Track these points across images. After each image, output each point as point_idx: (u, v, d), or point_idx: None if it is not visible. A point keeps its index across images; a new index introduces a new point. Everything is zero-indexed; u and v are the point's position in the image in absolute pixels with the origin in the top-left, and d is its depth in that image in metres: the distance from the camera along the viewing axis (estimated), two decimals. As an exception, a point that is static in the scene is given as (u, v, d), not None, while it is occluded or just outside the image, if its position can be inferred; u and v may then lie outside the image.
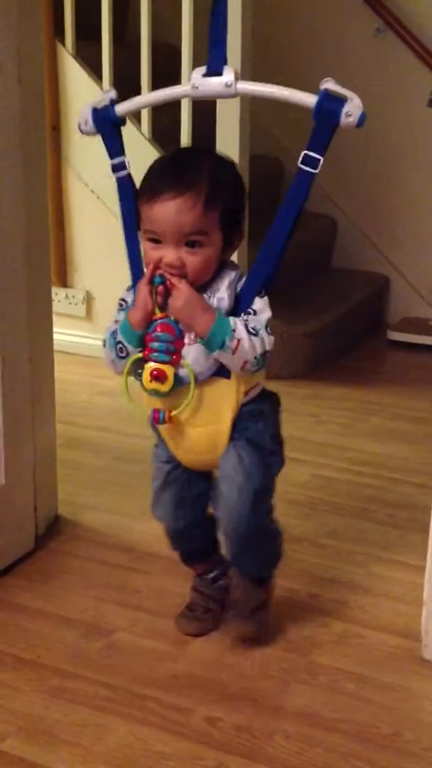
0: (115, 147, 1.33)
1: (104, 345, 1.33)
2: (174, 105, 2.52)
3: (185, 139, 2.54)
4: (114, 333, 1.30)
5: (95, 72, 2.64)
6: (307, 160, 1.24)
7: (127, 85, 2.62)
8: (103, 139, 1.34)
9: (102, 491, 1.98)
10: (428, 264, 3.20)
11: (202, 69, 1.26)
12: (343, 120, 1.20)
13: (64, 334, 2.77)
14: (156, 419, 1.31)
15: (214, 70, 1.24)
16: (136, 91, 2.55)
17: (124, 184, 1.32)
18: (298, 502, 1.94)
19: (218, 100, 2.25)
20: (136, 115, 2.60)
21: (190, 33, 2.47)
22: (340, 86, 1.22)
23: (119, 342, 1.29)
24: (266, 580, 1.47)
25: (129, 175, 1.33)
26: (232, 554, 1.41)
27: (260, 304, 1.28)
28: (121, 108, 1.33)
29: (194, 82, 1.26)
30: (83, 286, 2.80)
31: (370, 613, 1.56)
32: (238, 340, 1.24)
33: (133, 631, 1.50)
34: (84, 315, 2.81)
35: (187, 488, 1.41)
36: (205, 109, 2.32)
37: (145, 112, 2.57)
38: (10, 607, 1.56)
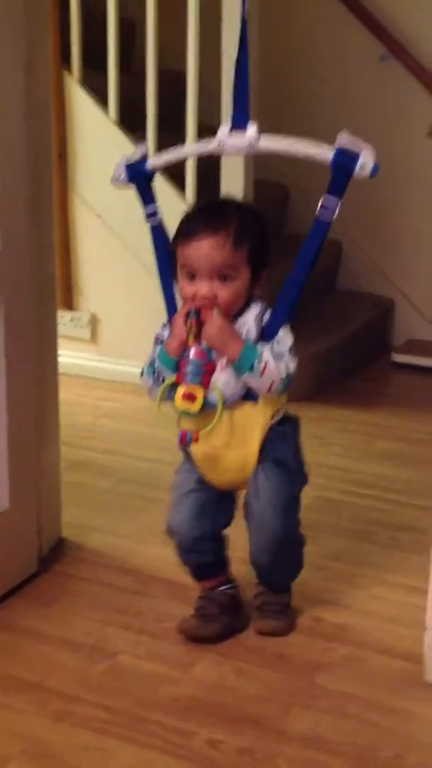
0: (147, 197, 1.47)
1: (141, 374, 1.47)
2: (179, 134, 2.56)
3: (190, 167, 2.56)
4: (152, 362, 1.44)
5: (102, 99, 2.69)
6: (326, 207, 1.37)
7: (133, 112, 2.67)
8: (137, 191, 1.48)
9: (106, 514, 1.99)
10: (432, 286, 3.22)
11: (227, 126, 1.38)
12: (357, 173, 1.34)
13: (69, 357, 2.79)
14: (183, 439, 1.40)
15: (238, 126, 1.38)
16: (142, 118, 2.61)
17: (157, 230, 1.47)
18: (302, 524, 1.94)
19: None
20: (141, 141, 2.63)
21: (196, 61, 2.51)
22: (354, 137, 1.33)
23: (157, 369, 1.43)
24: (288, 586, 1.58)
25: (161, 222, 1.47)
26: (263, 566, 1.54)
27: (283, 331, 1.43)
28: (151, 162, 1.47)
29: (220, 139, 1.39)
30: (88, 309, 2.82)
31: (373, 636, 1.56)
32: (265, 363, 1.39)
33: (136, 654, 1.50)
34: (89, 337, 2.84)
35: (210, 501, 1.51)
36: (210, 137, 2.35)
37: (151, 143, 2.60)
38: (14, 629, 1.56)
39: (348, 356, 2.96)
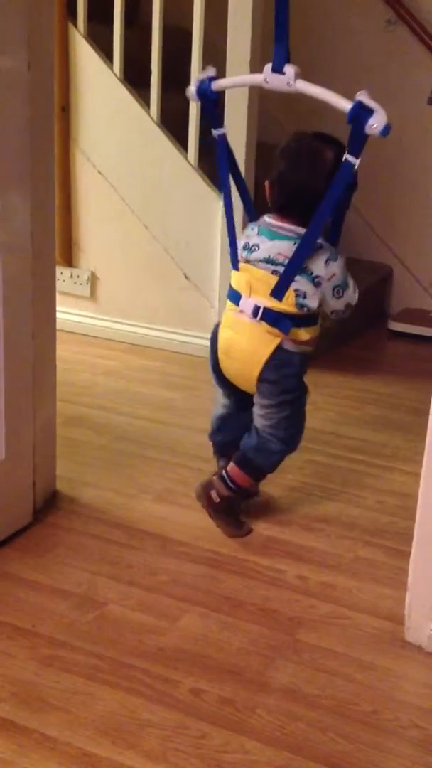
0: (213, 120, 1.70)
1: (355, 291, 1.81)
2: (184, 91, 2.54)
3: (193, 123, 2.55)
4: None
5: (106, 53, 2.66)
6: (346, 163, 1.53)
7: (137, 69, 2.65)
8: (204, 111, 1.76)
9: (100, 469, 2.02)
10: (431, 256, 3.22)
11: (270, 65, 1.56)
12: (368, 129, 1.47)
13: (69, 314, 2.80)
14: None
15: (276, 68, 1.55)
16: (147, 75, 2.59)
17: (223, 141, 1.68)
18: (292, 487, 1.98)
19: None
20: (144, 98, 2.62)
21: (201, 17, 2.49)
22: (372, 99, 1.47)
23: None
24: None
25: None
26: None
27: None
28: (214, 85, 1.67)
29: (265, 76, 1.58)
30: (88, 267, 2.83)
31: (356, 596, 1.60)
32: None
33: (125, 605, 1.54)
34: (88, 295, 2.85)
35: None
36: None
37: (154, 94, 2.60)
38: (7, 577, 1.60)
39: (344, 323, 2.96)
